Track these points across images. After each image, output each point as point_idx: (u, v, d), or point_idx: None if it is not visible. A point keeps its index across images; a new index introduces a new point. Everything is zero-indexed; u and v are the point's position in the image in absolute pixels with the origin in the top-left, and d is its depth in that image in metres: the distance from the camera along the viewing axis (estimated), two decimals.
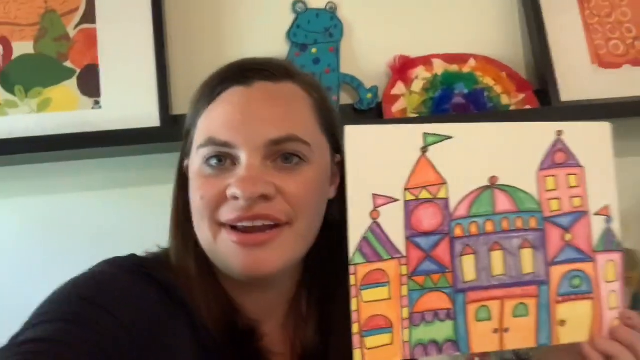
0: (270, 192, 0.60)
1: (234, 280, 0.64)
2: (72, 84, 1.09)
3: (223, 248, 0.61)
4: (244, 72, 0.64)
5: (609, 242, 0.60)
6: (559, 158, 0.60)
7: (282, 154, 0.62)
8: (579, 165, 0.60)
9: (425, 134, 0.57)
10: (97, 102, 1.09)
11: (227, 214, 0.60)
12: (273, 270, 0.61)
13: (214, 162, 0.62)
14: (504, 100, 1.18)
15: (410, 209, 0.56)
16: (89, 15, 1.12)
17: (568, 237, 0.59)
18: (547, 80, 1.16)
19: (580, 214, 0.60)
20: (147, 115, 1.09)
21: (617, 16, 1.23)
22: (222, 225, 0.61)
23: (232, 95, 0.63)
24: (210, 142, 0.62)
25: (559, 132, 0.60)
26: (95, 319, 0.55)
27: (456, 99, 1.17)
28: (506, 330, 0.57)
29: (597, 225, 0.60)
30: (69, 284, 0.60)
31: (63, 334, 0.52)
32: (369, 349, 0.55)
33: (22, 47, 1.10)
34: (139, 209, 1.14)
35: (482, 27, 1.25)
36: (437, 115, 1.14)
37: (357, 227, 0.55)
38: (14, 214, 1.13)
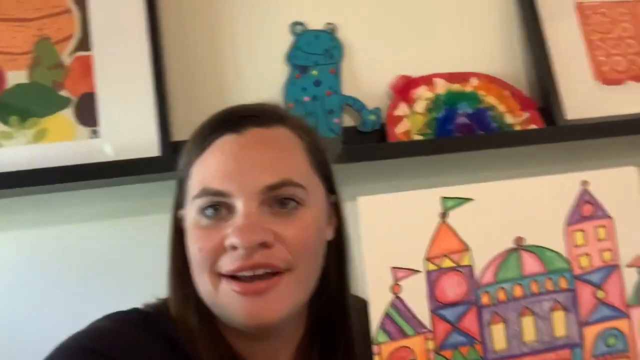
0: (269, 239, 0.59)
1: (238, 331, 0.63)
2: (68, 113, 1.06)
3: (224, 298, 0.60)
4: (235, 120, 0.64)
5: None
6: (586, 210, 0.57)
7: (279, 199, 0.61)
8: (607, 216, 0.57)
9: (444, 198, 0.54)
10: (94, 132, 1.06)
11: (227, 265, 0.59)
12: (275, 319, 0.60)
13: (209, 212, 0.61)
14: (508, 119, 1.17)
15: (432, 279, 0.54)
16: (84, 43, 1.09)
17: (600, 294, 0.56)
18: (551, 98, 1.16)
19: (611, 268, 0.57)
20: (147, 143, 1.06)
21: (618, 32, 1.22)
22: (222, 276, 0.60)
23: (224, 144, 0.62)
24: (205, 192, 0.61)
25: (584, 183, 0.57)
26: None
27: (460, 119, 1.16)
28: None
29: (630, 278, 0.57)
30: (75, 337, 0.59)
31: None
32: None
33: (16, 77, 1.07)
34: (140, 238, 1.11)
35: (483, 46, 1.24)
36: (443, 137, 1.13)
37: (378, 304, 0.52)
38: (11, 247, 1.10)
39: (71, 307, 1.05)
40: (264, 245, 0.59)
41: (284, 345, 0.67)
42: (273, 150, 0.63)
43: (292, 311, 0.62)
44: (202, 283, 0.61)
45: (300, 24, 1.18)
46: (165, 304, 0.66)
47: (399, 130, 1.15)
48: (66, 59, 1.08)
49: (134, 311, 0.65)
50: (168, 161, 1.03)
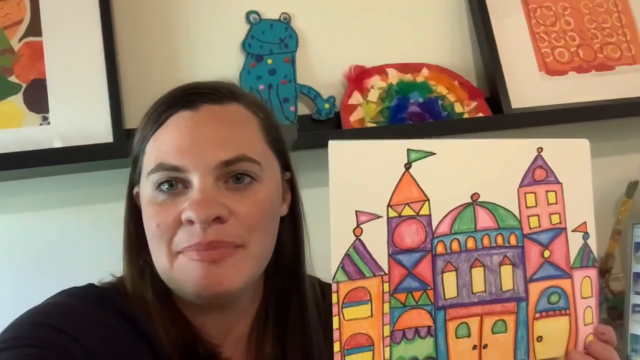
0: (224, 213, 0.60)
1: (194, 305, 0.64)
2: (18, 99, 1.04)
3: (181, 270, 0.61)
4: (190, 96, 0.64)
5: (585, 258, 0.61)
6: (538, 175, 0.60)
7: (234, 174, 0.62)
8: (557, 182, 0.61)
9: (409, 150, 0.57)
10: (45, 118, 1.05)
11: (184, 241, 0.60)
12: (230, 288, 0.61)
13: (165, 187, 0.61)
14: (458, 108, 1.21)
15: (393, 225, 0.56)
16: (34, 28, 1.07)
17: (547, 253, 0.60)
18: (498, 88, 1.20)
19: (558, 231, 0.60)
20: (99, 130, 1.05)
21: (561, 25, 1.28)
22: (179, 252, 0.61)
23: (179, 120, 0.63)
24: (160, 167, 0.61)
25: (539, 149, 0.60)
26: (62, 345, 0.54)
27: (412, 107, 1.19)
28: (485, 346, 0.57)
29: (575, 242, 0.60)
30: (28, 314, 0.58)
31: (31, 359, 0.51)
32: None
33: None
34: (92, 227, 1.10)
35: (434, 37, 1.27)
36: (395, 125, 1.16)
37: (340, 245, 0.54)
38: None
39: (21, 298, 1.02)
40: (219, 219, 0.59)
41: (239, 318, 0.68)
42: (228, 126, 0.63)
43: (246, 283, 0.63)
44: (159, 258, 0.62)
45: (256, 13, 1.19)
46: (121, 281, 0.66)
47: (353, 119, 1.17)
48: (15, 44, 1.06)
49: (90, 287, 0.64)
50: (121, 148, 1.02)
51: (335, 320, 0.54)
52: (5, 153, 1.00)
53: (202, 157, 0.61)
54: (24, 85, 1.05)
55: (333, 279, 0.54)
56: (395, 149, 0.57)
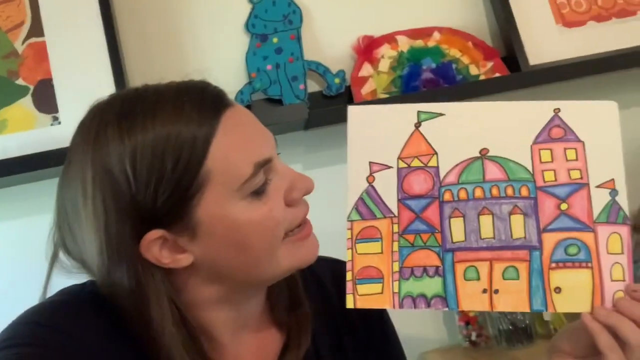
0: None
1: (211, 302, 0.60)
2: (27, 101, 1.04)
3: (287, 251, 0.59)
4: (220, 96, 0.59)
5: (613, 215, 0.60)
6: (555, 133, 0.62)
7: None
8: (578, 140, 0.61)
9: (419, 112, 0.63)
10: (55, 118, 1.05)
11: (299, 215, 0.60)
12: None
13: (265, 182, 0.57)
14: (473, 70, 1.16)
15: (402, 175, 0.62)
16: (36, 28, 1.07)
17: (564, 206, 0.60)
18: (514, 45, 1.15)
19: (579, 186, 0.60)
20: None
21: None
22: (288, 233, 0.60)
23: (233, 117, 0.57)
24: (259, 166, 0.56)
25: (556, 110, 0.62)
26: (60, 344, 0.54)
27: (425, 74, 1.15)
28: (496, 291, 0.59)
29: (600, 198, 0.60)
30: (26, 313, 0.58)
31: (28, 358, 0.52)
32: (360, 295, 0.60)
33: None
34: None
35: None
36: (408, 94, 1.12)
37: (354, 189, 0.62)
38: None
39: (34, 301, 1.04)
40: None
41: (257, 307, 0.67)
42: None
43: None
44: (273, 255, 0.58)
45: None
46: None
47: (365, 91, 1.14)
48: (19, 46, 1.06)
49: (89, 284, 0.62)
50: None
51: (348, 253, 0.61)
52: (20, 156, 1.00)
53: (272, 140, 0.61)
54: (32, 87, 1.05)
55: (348, 217, 0.62)
56: (406, 111, 0.63)
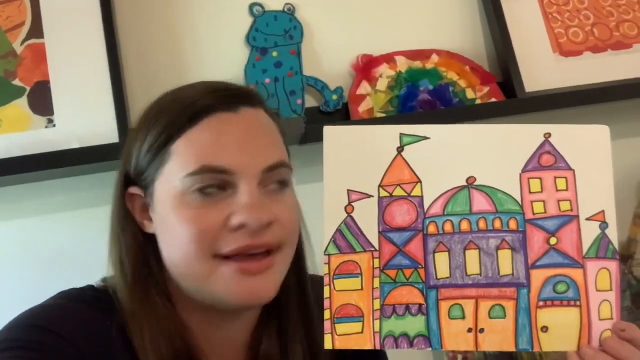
0: (274, 218, 0.59)
1: (201, 314, 0.62)
2: (22, 102, 1.04)
3: (219, 281, 0.59)
4: (229, 98, 0.62)
5: (602, 249, 0.58)
6: (545, 160, 0.59)
7: (273, 180, 0.61)
8: (568, 169, 0.59)
9: (402, 134, 0.59)
10: (50, 120, 1.04)
11: (231, 244, 0.58)
12: (268, 297, 0.60)
13: (211, 190, 0.58)
14: (469, 94, 1.17)
15: (384, 205, 0.58)
16: (36, 30, 1.06)
17: (553, 240, 0.58)
18: (510, 71, 1.16)
19: (568, 218, 0.58)
20: (105, 131, 1.04)
21: (574, 3, 1.23)
22: (222, 258, 0.58)
23: (221, 122, 0.60)
24: (207, 169, 0.58)
25: (547, 135, 0.59)
26: (55, 347, 0.54)
27: (422, 95, 1.16)
28: (481, 330, 0.57)
29: (589, 231, 0.58)
30: (23, 316, 0.58)
31: None
32: (339, 335, 0.57)
33: None
34: (102, 229, 1.09)
35: (443, 22, 1.24)
36: (405, 114, 1.13)
37: (331, 220, 0.58)
38: None
39: (31, 301, 1.02)
40: (269, 225, 0.59)
41: (244, 326, 0.67)
42: (265, 130, 0.63)
43: (277, 290, 0.62)
44: (193, 264, 0.58)
45: (259, 5, 1.17)
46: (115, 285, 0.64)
47: (362, 109, 1.14)
48: (18, 47, 1.06)
49: (88, 288, 0.63)
50: None
51: (326, 289, 0.58)
52: (12, 157, 0.99)
53: (249, 161, 0.59)
54: (28, 88, 1.04)
55: (325, 251, 0.58)
56: (387, 133, 0.59)
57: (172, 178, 0.60)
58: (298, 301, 0.68)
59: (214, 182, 0.58)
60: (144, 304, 0.60)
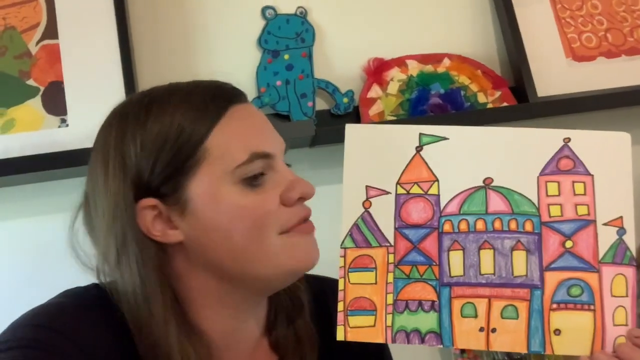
0: None
1: (213, 312, 0.61)
2: (36, 102, 1.05)
3: (289, 252, 0.59)
4: (233, 92, 0.64)
5: (619, 255, 0.58)
6: (564, 165, 0.59)
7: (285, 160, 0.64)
8: (587, 174, 0.59)
9: (421, 134, 0.60)
10: (63, 120, 1.05)
11: (293, 217, 0.60)
12: (318, 258, 0.62)
13: (262, 176, 0.60)
14: (481, 98, 1.17)
15: (400, 202, 0.60)
16: (51, 31, 1.07)
17: (569, 244, 0.58)
18: (523, 76, 1.16)
19: (585, 222, 0.58)
20: None
21: (588, 9, 1.23)
22: (286, 232, 0.60)
23: (242, 111, 0.62)
24: (256, 156, 0.59)
25: (566, 139, 0.59)
26: (59, 346, 0.54)
27: (433, 99, 1.16)
28: (493, 330, 0.57)
29: (606, 236, 0.58)
30: (27, 315, 0.58)
31: None
32: (352, 327, 0.58)
33: None
34: None
35: (455, 26, 1.24)
36: (415, 117, 1.13)
37: (349, 214, 0.59)
38: None
39: (31, 301, 1.03)
40: None
41: (260, 316, 0.66)
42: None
43: None
44: (263, 251, 0.58)
45: (271, 8, 1.17)
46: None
47: (373, 112, 1.14)
48: (33, 47, 1.07)
49: (92, 287, 0.62)
50: None
51: (340, 282, 0.59)
52: (26, 156, 1.00)
53: (278, 144, 0.62)
54: (42, 89, 1.05)
55: (342, 244, 0.59)
56: (407, 133, 0.60)
57: (214, 175, 0.58)
58: (299, 303, 0.68)
59: (264, 167, 0.60)
60: (158, 312, 0.58)
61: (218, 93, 0.62)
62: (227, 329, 0.63)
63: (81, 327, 0.56)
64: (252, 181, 0.59)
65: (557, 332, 0.57)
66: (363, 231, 0.59)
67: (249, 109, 0.63)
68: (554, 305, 0.57)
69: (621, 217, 0.58)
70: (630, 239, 0.58)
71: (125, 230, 0.58)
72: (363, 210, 0.59)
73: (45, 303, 0.59)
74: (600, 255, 0.58)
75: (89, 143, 1.02)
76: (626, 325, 0.56)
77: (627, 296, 0.57)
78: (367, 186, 0.60)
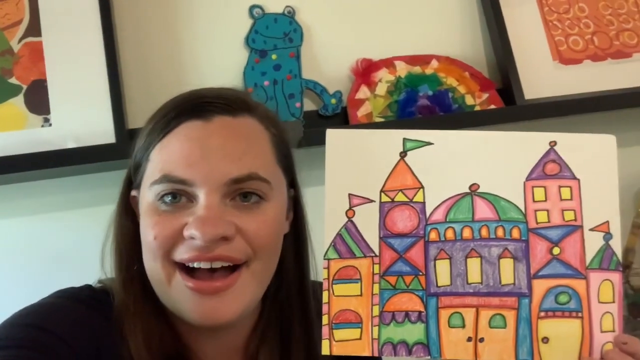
0: (230, 233, 0.57)
1: (187, 323, 0.61)
2: (18, 101, 1.03)
3: (177, 293, 0.58)
4: (203, 105, 0.61)
5: (606, 260, 0.57)
6: (550, 169, 0.58)
7: (243, 192, 0.59)
8: (573, 178, 0.58)
9: (405, 139, 0.58)
10: (46, 120, 1.03)
11: (183, 253, 0.57)
12: (229, 319, 0.58)
13: (168, 199, 0.58)
14: (469, 100, 1.17)
15: (385, 210, 0.58)
16: (34, 28, 1.05)
17: (556, 250, 0.57)
18: (510, 78, 1.16)
19: (572, 228, 0.57)
20: (102, 131, 1.03)
21: (575, 12, 1.23)
22: (176, 265, 0.58)
23: (190, 130, 0.60)
24: (166, 179, 0.58)
25: (552, 143, 0.58)
26: (50, 346, 0.53)
27: (421, 101, 1.15)
28: (481, 340, 0.56)
29: (593, 242, 0.57)
30: (18, 314, 0.58)
31: None
32: (337, 341, 0.56)
33: None
34: (100, 229, 1.08)
35: (443, 28, 1.24)
36: (403, 119, 1.12)
37: (332, 224, 0.57)
38: None
39: (30, 300, 1.02)
40: (225, 238, 0.57)
41: (235, 333, 0.66)
42: (240, 140, 0.60)
43: (248, 308, 0.61)
44: (155, 272, 0.59)
45: (259, 7, 1.16)
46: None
47: (361, 113, 1.14)
48: (15, 45, 1.05)
49: (85, 288, 0.63)
50: (124, 148, 1.00)
51: (324, 294, 0.57)
52: (8, 156, 0.98)
53: (211, 172, 0.57)
54: (25, 87, 1.03)
55: (324, 256, 0.57)
56: (391, 137, 0.58)
57: (145, 185, 0.61)
58: (300, 307, 0.67)
59: (173, 191, 0.58)
60: (138, 301, 0.60)
61: (182, 106, 0.61)
62: (200, 340, 0.63)
63: (73, 326, 0.56)
64: (162, 202, 0.59)
65: (545, 340, 0.56)
66: (347, 241, 0.57)
67: (203, 128, 0.59)
68: (542, 314, 0.56)
69: (607, 222, 0.58)
70: (616, 244, 0.58)
71: (118, 213, 0.66)
72: (346, 219, 0.57)
73: (37, 302, 0.59)
74: (587, 261, 0.57)
75: (72, 143, 1.02)
76: (613, 331, 0.56)
77: (614, 302, 0.57)
78: (350, 194, 0.57)
